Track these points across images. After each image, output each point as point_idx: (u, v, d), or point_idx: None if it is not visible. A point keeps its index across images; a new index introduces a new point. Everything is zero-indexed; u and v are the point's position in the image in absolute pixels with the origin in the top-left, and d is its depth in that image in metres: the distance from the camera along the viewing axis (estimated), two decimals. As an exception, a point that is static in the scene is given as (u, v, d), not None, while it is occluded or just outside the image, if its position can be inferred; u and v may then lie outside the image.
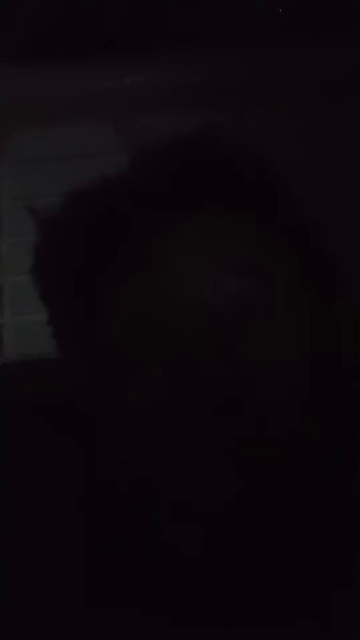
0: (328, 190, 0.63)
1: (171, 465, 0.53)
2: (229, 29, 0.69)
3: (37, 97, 0.69)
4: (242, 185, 0.57)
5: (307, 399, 0.53)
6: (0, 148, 0.69)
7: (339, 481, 0.53)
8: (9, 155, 0.69)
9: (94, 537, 0.53)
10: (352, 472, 0.54)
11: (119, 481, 0.52)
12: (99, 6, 0.69)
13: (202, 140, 0.60)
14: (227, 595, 0.52)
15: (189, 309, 0.54)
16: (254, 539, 0.52)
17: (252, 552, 0.52)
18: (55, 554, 0.53)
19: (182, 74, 0.69)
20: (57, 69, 0.69)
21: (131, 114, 0.69)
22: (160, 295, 0.55)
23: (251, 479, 0.52)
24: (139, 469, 0.53)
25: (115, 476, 0.53)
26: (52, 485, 0.55)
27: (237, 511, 0.52)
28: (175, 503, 0.52)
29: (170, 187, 0.57)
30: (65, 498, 0.54)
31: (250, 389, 0.52)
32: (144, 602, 0.52)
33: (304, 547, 0.52)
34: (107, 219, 0.58)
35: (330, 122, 0.67)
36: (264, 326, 0.54)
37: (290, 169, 0.59)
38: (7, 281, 0.65)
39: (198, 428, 0.52)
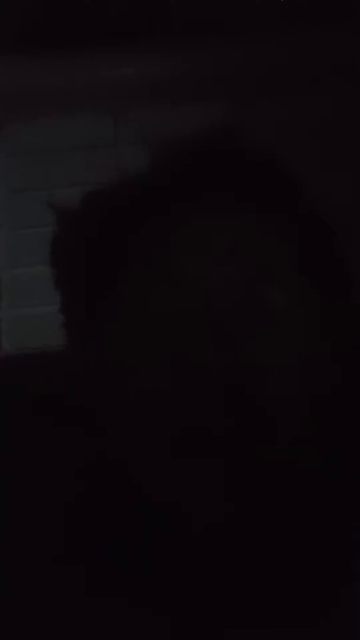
0: (329, 184, 0.63)
1: (171, 460, 0.52)
2: (230, 18, 0.69)
3: (35, 88, 0.69)
4: (248, 178, 0.57)
5: (313, 396, 0.52)
6: (-1, 139, 0.69)
7: (343, 482, 0.53)
8: (7, 147, 0.68)
9: (94, 527, 0.53)
10: (356, 473, 0.54)
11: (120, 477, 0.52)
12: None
13: (208, 132, 0.60)
14: (226, 592, 0.51)
15: (196, 304, 0.54)
16: (256, 536, 0.52)
17: (253, 549, 0.52)
18: (55, 546, 0.53)
19: (182, 64, 0.69)
20: (56, 60, 0.69)
21: (131, 104, 0.69)
22: (166, 289, 0.55)
23: (254, 476, 0.51)
24: (139, 464, 0.53)
25: (115, 470, 0.53)
26: (51, 478, 0.55)
27: (238, 508, 0.51)
28: (175, 499, 0.52)
29: (177, 180, 0.57)
30: (65, 491, 0.54)
31: (255, 384, 0.52)
32: (143, 592, 0.51)
33: (306, 547, 0.52)
34: (121, 211, 0.58)
35: (331, 111, 0.66)
36: (271, 322, 0.54)
37: (291, 160, 0.59)
38: (6, 274, 0.65)
39: (200, 423, 0.52)
